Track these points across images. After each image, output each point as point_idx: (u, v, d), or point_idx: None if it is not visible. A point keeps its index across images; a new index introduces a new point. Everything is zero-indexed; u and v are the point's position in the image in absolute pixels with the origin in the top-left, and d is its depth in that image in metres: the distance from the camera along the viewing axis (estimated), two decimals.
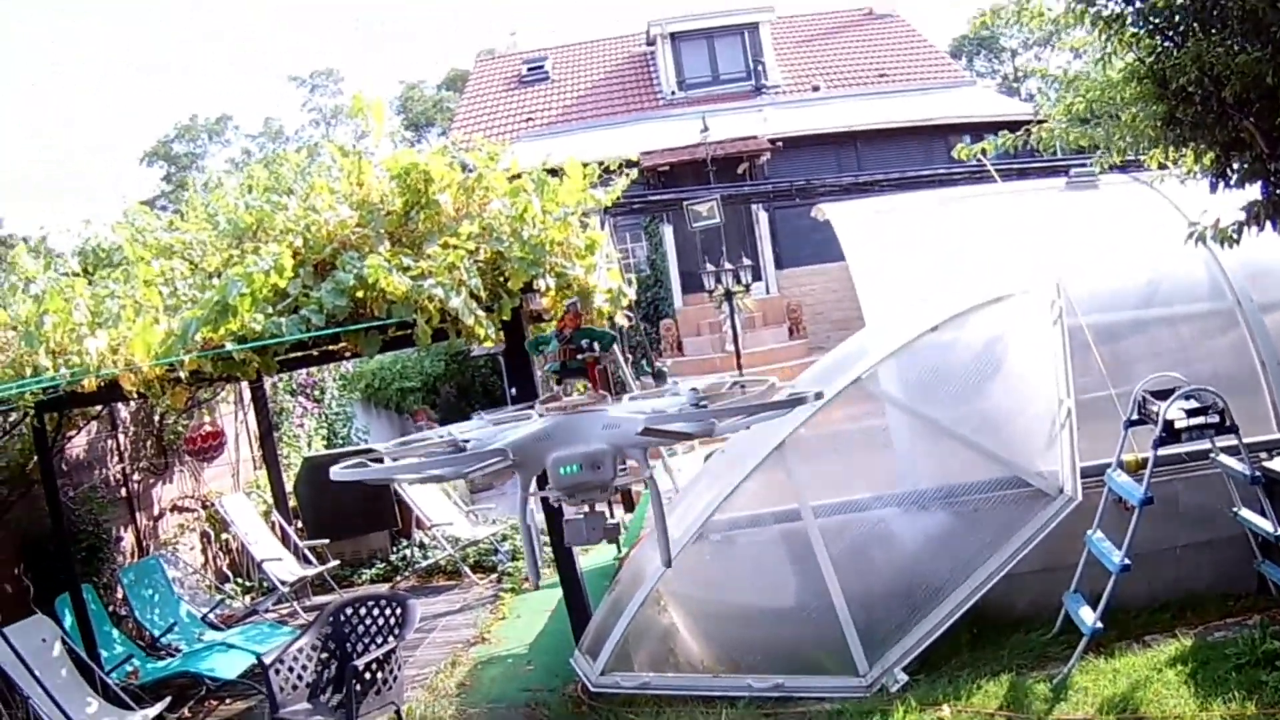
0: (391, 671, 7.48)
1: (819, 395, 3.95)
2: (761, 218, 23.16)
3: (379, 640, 7.83)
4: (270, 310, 7.12)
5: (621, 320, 8.85)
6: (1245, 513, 7.80)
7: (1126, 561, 7.10)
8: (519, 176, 8.19)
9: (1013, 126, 9.59)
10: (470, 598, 12.04)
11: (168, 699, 8.30)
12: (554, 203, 8.10)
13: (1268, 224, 6.79)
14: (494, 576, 12.69)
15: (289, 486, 13.84)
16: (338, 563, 12.66)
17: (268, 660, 7.36)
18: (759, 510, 8.32)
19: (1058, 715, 6.70)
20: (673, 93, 28.37)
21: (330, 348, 8.05)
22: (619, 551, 11.21)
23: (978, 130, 23.97)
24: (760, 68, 28.24)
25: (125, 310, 7.43)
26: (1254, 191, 6.85)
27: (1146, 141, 7.95)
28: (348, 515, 13.66)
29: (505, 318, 7.85)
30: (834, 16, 33.07)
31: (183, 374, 7.06)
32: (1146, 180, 10.36)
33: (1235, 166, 6.83)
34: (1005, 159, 10.73)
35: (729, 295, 17.25)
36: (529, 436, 3.91)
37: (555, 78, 30.94)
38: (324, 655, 7.77)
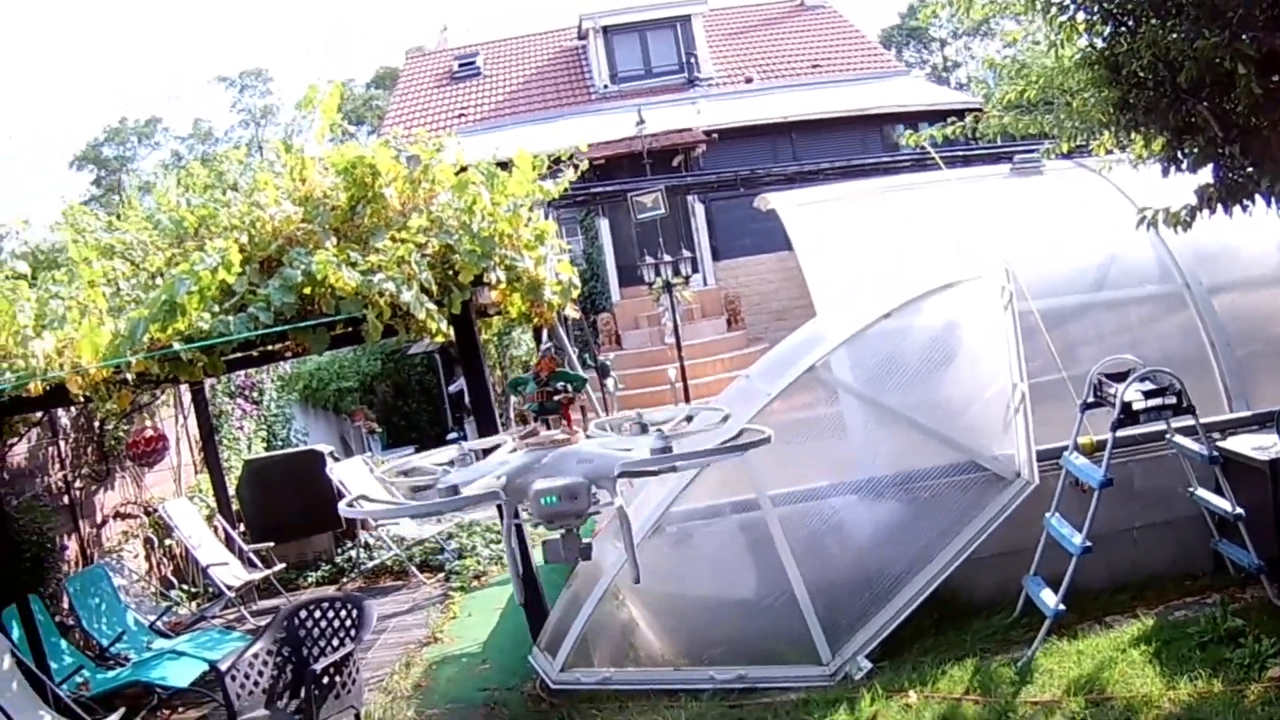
0: (350, 674, 7.31)
1: (768, 440, 4.13)
2: (698, 210, 23.07)
3: (335, 643, 7.66)
4: (216, 309, 6.93)
5: (571, 312, 8.71)
6: (1201, 492, 7.80)
7: (1088, 544, 7.08)
8: (465, 169, 8.02)
9: (947, 115, 9.56)
10: (419, 597, 11.86)
11: (122, 710, 8.05)
12: (503, 195, 7.94)
13: (1219, 207, 6.78)
14: (441, 575, 12.52)
15: (231, 490, 13.55)
16: (283, 566, 12.42)
17: (224, 667, 7.14)
18: (716, 500, 8.24)
19: (1025, 698, 6.66)
20: (605, 86, 28.16)
21: (276, 346, 7.86)
22: None
23: (912, 119, 24.01)
24: (693, 60, 28.16)
25: (71, 311, 7.19)
26: (1205, 175, 6.84)
27: (1096, 127, 7.96)
28: (291, 518, 13.46)
29: (455, 311, 7.69)
30: (766, 8, 32.99)
31: (129, 376, 6.84)
32: (1091, 166, 10.37)
33: (1187, 150, 6.79)
34: (949, 146, 10.70)
35: (669, 287, 17.11)
36: (515, 471, 4.14)
37: (487, 73, 30.63)
38: (279, 660, 7.57)
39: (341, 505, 4.30)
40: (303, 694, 6.93)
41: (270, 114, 64.05)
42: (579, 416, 10.21)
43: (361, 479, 13.72)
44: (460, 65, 31.17)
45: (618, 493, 4.06)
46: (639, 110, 22.55)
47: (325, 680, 7.04)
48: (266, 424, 17.42)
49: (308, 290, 7.03)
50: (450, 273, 7.60)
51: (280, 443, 17.69)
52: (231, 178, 8.84)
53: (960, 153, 15.32)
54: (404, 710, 8.20)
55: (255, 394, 16.89)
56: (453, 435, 23.91)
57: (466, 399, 24.09)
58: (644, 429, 4.73)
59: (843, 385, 8.23)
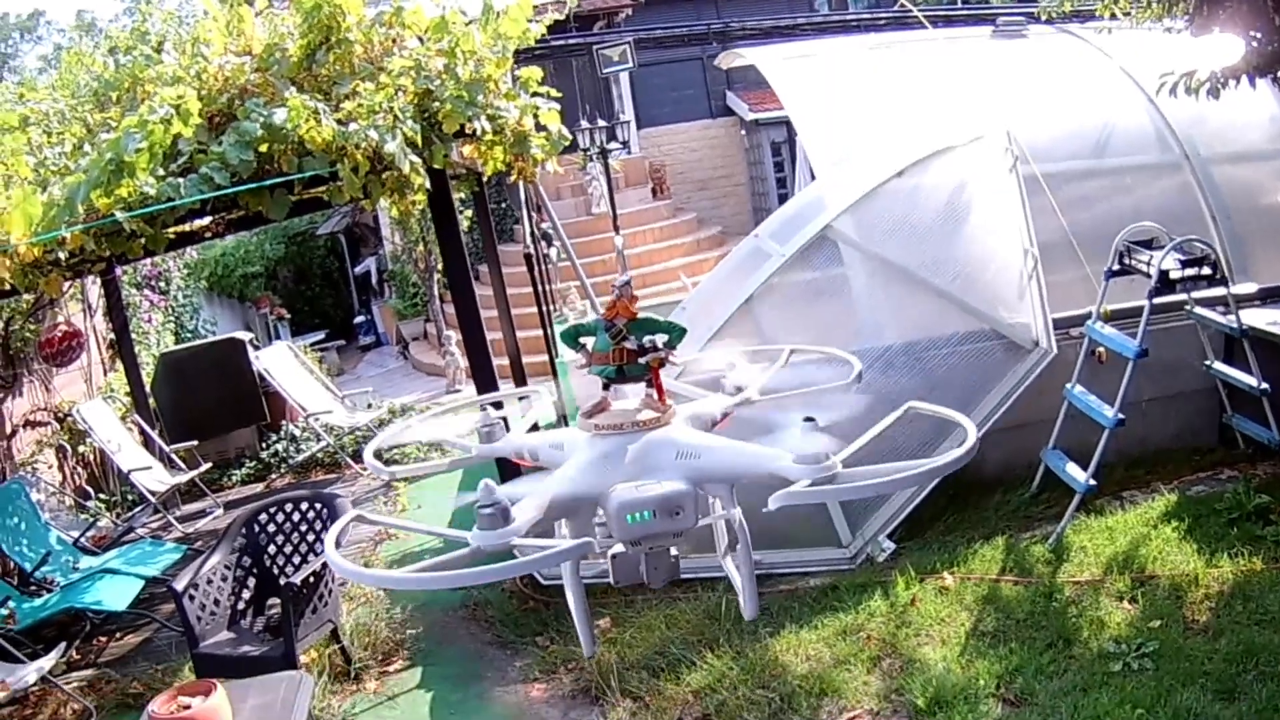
0: (326, 584, 6.49)
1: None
2: (621, 77, 22.07)
3: (302, 549, 6.85)
4: (162, 172, 5.94)
5: (554, 167, 7.80)
6: (1220, 366, 7.75)
7: (1120, 416, 6.90)
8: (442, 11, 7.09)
9: None
10: (359, 490, 11.12)
11: (61, 645, 7.11)
12: (494, 36, 7.03)
13: (1245, 79, 6.80)
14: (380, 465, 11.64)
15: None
16: (209, 465, 11.53)
17: (179, 586, 6.24)
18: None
19: (1065, 577, 6.47)
20: None
21: (227, 216, 6.92)
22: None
23: None
24: None
25: None
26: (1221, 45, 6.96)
27: None
28: (211, 413, 12.61)
29: (437, 165, 6.79)
30: None
31: (62, 254, 5.85)
32: (1076, 32, 10.25)
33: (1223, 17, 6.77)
34: (927, 6, 10.31)
35: (604, 154, 16.14)
36: (581, 475, 2.97)
37: None
38: (239, 573, 6.74)
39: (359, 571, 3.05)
40: (282, 611, 6.07)
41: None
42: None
43: (289, 365, 12.89)
44: None
45: (734, 501, 3.00)
46: None
47: (301, 593, 6.22)
48: (174, 315, 16.46)
49: (264, 148, 6.08)
50: (430, 122, 6.72)
51: (189, 334, 16.87)
52: (158, 37, 7.77)
53: (942, 12, 14.81)
54: (378, 618, 7.43)
55: (162, 284, 15.85)
56: (359, 319, 23.16)
57: (374, 280, 23.45)
58: (738, 390, 3.53)
59: (857, 245, 7.78)
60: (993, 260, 7.84)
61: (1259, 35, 6.65)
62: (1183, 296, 7.39)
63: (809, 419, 2.86)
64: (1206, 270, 7.06)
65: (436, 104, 6.64)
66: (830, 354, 3.84)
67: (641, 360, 3.16)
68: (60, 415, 11.49)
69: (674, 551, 2.99)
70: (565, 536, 3.08)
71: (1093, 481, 6.95)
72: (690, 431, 3.13)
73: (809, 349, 3.98)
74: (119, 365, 12.58)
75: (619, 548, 2.94)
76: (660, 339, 3.16)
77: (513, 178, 7.65)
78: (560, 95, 7.51)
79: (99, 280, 11.84)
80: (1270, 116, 9.28)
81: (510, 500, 2.67)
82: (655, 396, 3.17)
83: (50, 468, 10.99)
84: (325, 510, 6.87)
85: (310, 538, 6.89)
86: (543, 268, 12.04)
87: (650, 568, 2.98)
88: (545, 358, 10.92)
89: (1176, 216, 8.30)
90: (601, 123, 15.89)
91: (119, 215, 5.71)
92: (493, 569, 2.52)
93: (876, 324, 7.76)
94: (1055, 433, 7.57)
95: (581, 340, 3.26)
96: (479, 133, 6.79)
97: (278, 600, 6.52)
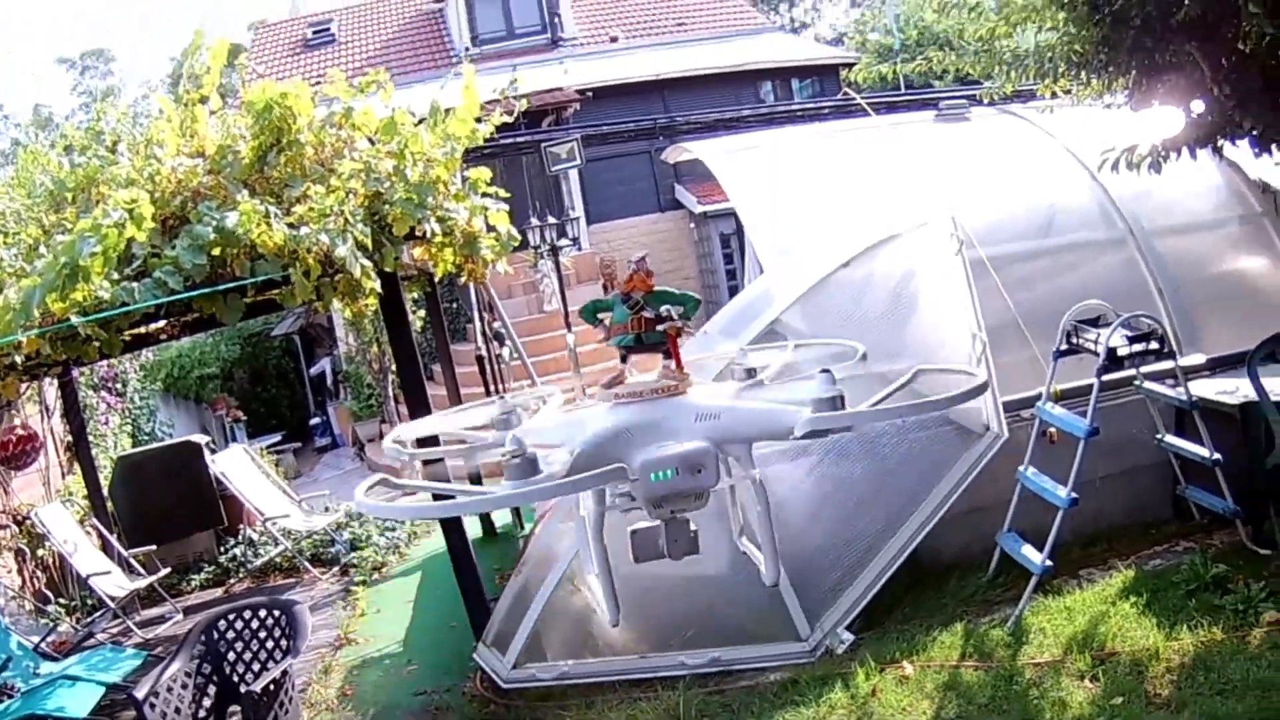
0: (286, 693, 6.42)
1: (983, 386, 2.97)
2: (570, 172, 22.31)
3: (262, 656, 6.80)
4: (116, 276, 5.97)
5: (504, 267, 7.87)
6: (1171, 439, 7.69)
7: (1074, 496, 6.88)
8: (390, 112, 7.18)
9: (822, 70, 9.33)
10: (318, 595, 10.98)
11: None
12: (443, 136, 7.11)
13: (1186, 151, 6.95)
14: (336, 569, 11.66)
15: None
16: (169, 570, 11.40)
17: (140, 694, 6.14)
18: None
19: (1025, 660, 6.38)
20: (466, 49, 26.82)
21: (181, 318, 6.94)
22: (521, 530, 10.36)
23: (784, 75, 23.84)
24: (556, 20, 27.21)
25: None
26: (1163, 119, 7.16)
27: (1060, 66, 7.62)
28: (169, 516, 12.47)
29: (388, 268, 6.85)
30: None
31: (19, 358, 5.86)
32: (1018, 112, 10.40)
33: (1163, 90, 6.90)
34: (869, 92, 10.46)
35: (554, 251, 16.23)
36: (605, 435, 3.10)
37: (342, 39, 29.00)
38: (200, 681, 6.67)
39: (362, 498, 3.07)
40: (229, 718, 6.04)
41: (112, 95, 60.88)
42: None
43: (245, 469, 12.81)
44: (314, 33, 29.46)
45: (753, 462, 3.17)
46: (514, 68, 21.61)
47: (262, 701, 6.15)
48: (131, 417, 16.34)
49: (217, 251, 6.12)
50: (380, 225, 6.78)
51: (146, 437, 16.71)
52: (112, 136, 7.83)
53: (885, 98, 15.03)
54: None
55: (119, 385, 15.76)
56: (315, 420, 23.17)
57: (329, 381, 23.47)
58: (750, 374, 3.75)
59: (805, 337, 7.56)
60: (942, 345, 7.87)
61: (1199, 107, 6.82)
62: (1131, 372, 7.44)
63: (825, 370, 3.12)
64: (1154, 345, 7.13)
65: (386, 206, 6.70)
66: (832, 344, 4.00)
67: (659, 328, 3.41)
68: (19, 518, 11.35)
69: (693, 525, 3.21)
70: (585, 507, 3.24)
71: (1049, 562, 6.93)
72: (708, 395, 3.35)
73: (813, 341, 4.13)
74: (77, 468, 12.48)
75: (640, 525, 3.16)
76: (676, 310, 3.41)
77: (463, 279, 7.71)
78: (510, 195, 7.60)
79: (56, 382, 11.80)
80: (1212, 187, 9.46)
81: (533, 452, 2.86)
82: (673, 366, 3.39)
83: (10, 571, 10.84)
84: (284, 617, 6.83)
85: (270, 645, 6.84)
86: (495, 367, 12.09)
87: (670, 540, 3.17)
88: None
89: (1123, 291, 8.41)
90: (551, 220, 16.01)
91: (74, 320, 5.74)
92: (530, 490, 2.77)
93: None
94: (1010, 515, 7.53)
95: (600, 315, 3.56)
96: (429, 235, 6.85)
97: (239, 708, 6.45)
